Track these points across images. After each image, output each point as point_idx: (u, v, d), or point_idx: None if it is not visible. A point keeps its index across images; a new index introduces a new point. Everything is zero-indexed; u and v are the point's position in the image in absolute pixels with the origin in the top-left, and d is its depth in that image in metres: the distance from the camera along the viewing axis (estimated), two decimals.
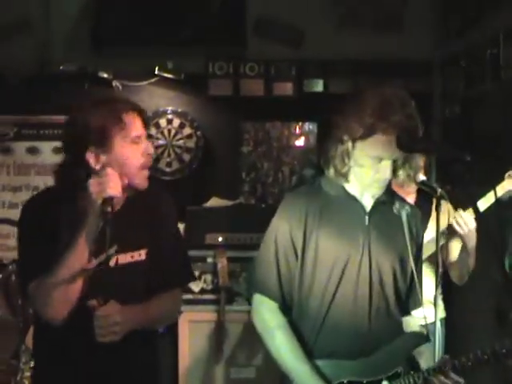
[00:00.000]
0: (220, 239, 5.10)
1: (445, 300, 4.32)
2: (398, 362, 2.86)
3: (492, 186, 3.75)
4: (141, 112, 2.81)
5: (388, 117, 2.70)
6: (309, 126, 6.09)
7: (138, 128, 2.75)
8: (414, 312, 3.02)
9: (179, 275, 3.05)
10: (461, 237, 3.84)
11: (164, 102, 6.05)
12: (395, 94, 2.78)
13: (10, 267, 4.84)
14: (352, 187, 2.89)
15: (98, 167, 2.67)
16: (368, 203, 2.90)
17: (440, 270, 3.81)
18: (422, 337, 2.94)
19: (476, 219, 3.73)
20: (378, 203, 2.90)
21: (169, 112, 6.03)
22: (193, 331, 5.10)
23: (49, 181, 5.44)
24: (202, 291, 5.12)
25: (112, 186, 2.58)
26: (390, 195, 2.95)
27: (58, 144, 5.84)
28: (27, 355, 4.43)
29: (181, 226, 4.85)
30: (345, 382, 2.79)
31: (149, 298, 2.87)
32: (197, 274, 5.10)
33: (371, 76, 5.76)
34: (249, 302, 2.98)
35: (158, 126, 5.99)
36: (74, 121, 2.75)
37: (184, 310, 4.97)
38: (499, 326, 4.60)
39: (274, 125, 6.12)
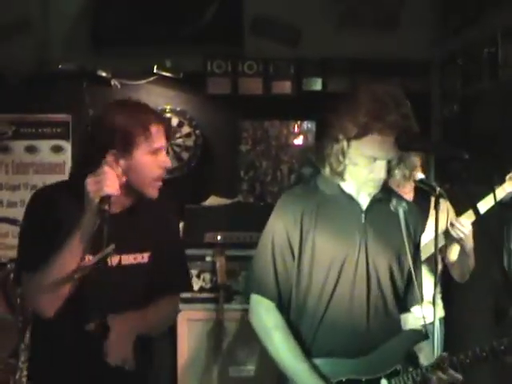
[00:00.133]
0: (219, 238, 5.10)
1: (444, 299, 4.32)
2: (396, 359, 2.86)
3: (491, 187, 3.76)
4: (166, 125, 2.86)
5: (383, 117, 2.71)
6: (307, 125, 6.09)
7: (161, 140, 2.77)
8: (412, 309, 3.02)
9: (179, 282, 3.08)
10: (458, 241, 3.85)
11: (162, 100, 6.04)
12: (390, 93, 2.78)
13: (9, 266, 4.84)
14: (348, 186, 2.90)
15: (117, 171, 2.68)
16: (364, 201, 2.90)
17: (440, 267, 3.84)
18: (421, 334, 2.95)
19: (476, 219, 3.73)
20: (374, 201, 2.91)
21: (167, 111, 6.02)
22: (191, 330, 5.10)
23: (47, 179, 5.49)
24: (201, 290, 5.13)
25: (109, 185, 2.58)
26: (386, 193, 2.95)
27: (56, 142, 5.97)
28: (26, 354, 4.43)
29: (180, 225, 4.90)
30: (343, 380, 2.79)
31: (148, 301, 2.89)
32: (195, 272, 5.11)
33: (370, 75, 5.76)
34: (247, 300, 2.98)
35: None
36: (101, 121, 2.78)
37: (183, 308, 4.95)
38: (498, 324, 4.60)
39: (273, 123, 6.12)
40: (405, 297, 2.97)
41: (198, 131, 6.04)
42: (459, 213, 3.91)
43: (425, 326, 2.93)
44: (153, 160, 2.75)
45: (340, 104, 2.86)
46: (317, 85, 6.01)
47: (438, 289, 4.06)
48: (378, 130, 2.71)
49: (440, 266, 3.98)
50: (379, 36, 5.92)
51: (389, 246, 2.89)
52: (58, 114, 6.00)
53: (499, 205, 3.87)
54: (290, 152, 6.12)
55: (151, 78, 5.99)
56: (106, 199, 2.57)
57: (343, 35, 5.94)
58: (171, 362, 5.11)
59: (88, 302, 2.74)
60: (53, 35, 5.88)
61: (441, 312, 4.25)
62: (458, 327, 4.58)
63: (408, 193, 3.97)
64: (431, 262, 3.80)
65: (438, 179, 4.85)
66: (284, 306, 2.91)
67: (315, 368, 2.79)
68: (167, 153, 2.84)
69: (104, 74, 5.88)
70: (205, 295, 5.12)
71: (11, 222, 5.03)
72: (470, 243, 3.84)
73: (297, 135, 6.12)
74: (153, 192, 2.80)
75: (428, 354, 2.88)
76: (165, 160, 2.79)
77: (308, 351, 2.83)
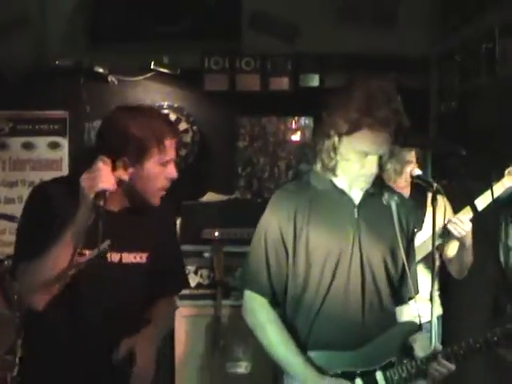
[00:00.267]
0: (216, 234, 5.10)
1: (442, 297, 4.32)
2: (391, 352, 2.89)
3: (489, 183, 3.76)
4: (178, 138, 2.87)
5: (373, 112, 2.72)
6: (305, 121, 6.08)
7: (172, 153, 2.80)
8: (407, 302, 3.04)
9: (177, 283, 3.15)
10: (457, 239, 3.84)
11: (160, 96, 6.04)
12: (380, 88, 2.79)
13: (6, 262, 4.83)
14: (340, 181, 2.92)
15: (124, 177, 2.71)
16: (357, 196, 2.92)
17: (437, 264, 3.84)
18: (415, 326, 2.98)
19: (473, 216, 3.73)
20: (366, 195, 2.93)
21: (165, 107, 6.02)
22: (189, 326, 5.11)
23: (44, 176, 5.49)
24: (199, 286, 5.13)
25: (104, 180, 2.58)
26: (378, 187, 2.96)
27: (53, 139, 5.97)
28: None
29: (177, 221, 4.90)
30: (339, 372, 2.82)
31: (145, 301, 2.93)
32: (193, 268, 5.11)
33: (367, 71, 5.75)
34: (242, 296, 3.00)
35: None
36: (113, 126, 2.76)
37: (180, 304, 4.97)
38: (496, 321, 4.60)
39: (270, 120, 6.12)
40: (399, 289, 3.00)
41: (195, 127, 6.04)
42: (457, 209, 3.91)
43: (419, 317, 2.95)
44: (161, 171, 2.77)
45: (331, 100, 2.88)
46: (314, 81, 6.01)
47: (436, 286, 4.08)
48: (369, 125, 2.73)
49: (437, 263, 3.98)
50: (377, 32, 5.91)
51: (382, 240, 2.92)
52: (55, 110, 6.00)
53: (496, 201, 3.86)
54: (287, 148, 6.12)
55: (148, 75, 5.99)
56: (101, 195, 2.57)
57: (341, 31, 5.93)
58: (168, 358, 5.12)
59: (87, 298, 2.75)
60: (50, 31, 5.87)
61: (439, 310, 4.25)
62: (455, 325, 4.58)
63: (404, 188, 3.97)
64: (429, 259, 3.80)
65: (436, 175, 4.84)
66: (278, 301, 2.93)
67: (310, 361, 2.81)
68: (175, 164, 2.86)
69: (101, 71, 5.88)
70: (202, 291, 5.13)
71: (8, 218, 5.02)
72: (469, 239, 3.84)
73: (294, 131, 6.12)
74: (155, 200, 2.82)
75: (423, 345, 2.89)
76: (173, 172, 2.81)
77: (304, 344, 2.85)
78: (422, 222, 3.91)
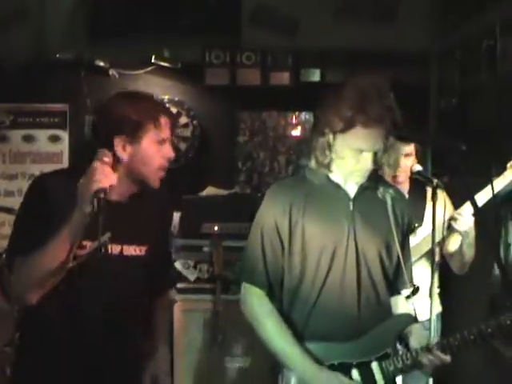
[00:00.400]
0: (216, 228, 5.10)
1: (441, 294, 4.31)
2: (387, 343, 2.91)
3: (489, 179, 3.76)
4: (172, 118, 3.01)
5: (366, 110, 2.74)
6: (305, 116, 6.09)
7: (167, 132, 2.84)
8: (402, 292, 3.06)
9: (172, 277, 3.32)
10: (460, 233, 3.84)
11: (160, 90, 6.04)
12: (373, 85, 2.82)
13: (4, 256, 4.83)
14: (335, 176, 2.94)
15: (123, 156, 2.75)
16: (352, 190, 2.94)
17: (437, 259, 3.84)
18: (410, 317, 3.00)
19: (474, 213, 3.73)
20: (361, 189, 2.95)
21: (165, 101, 6.01)
22: (188, 320, 5.10)
23: (44, 169, 5.49)
24: (198, 280, 5.12)
25: (101, 179, 2.58)
26: (374, 181, 2.98)
27: (54, 132, 5.97)
28: None
29: (176, 215, 4.90)
30: (335, 363, 2.84)
31: (143, 294, 2.94)
32: (192, 263, 5.11)
33: (368, 66, 5.75)
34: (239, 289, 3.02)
35: None
36: (109, 108, 2.83)
37: (179, 299, 4.99)
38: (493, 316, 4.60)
39: (271, 114, 6.12)
40: (394, 281, 3.02)
41: (195, 122, 6.04)
42: (457, 205, 3.90)
43: (415, 310, 2.98)
44: (158, 149, 2.80)
45: (325, 98, 2.91)
46: (315, 76, 6.01)
47: (436, 281, 4.07)
48: (363, 122, 2.76)
49: (437, 258, 3.98)
50: (378, 28, 5.92)
51: (377, 232, 2.94)
52: (56, 103, 6.00)
53: (496, 197, 3.86)
54: (287, 143, 6.12)
55: (149, 68, 5.99)
56: (101, 190, 2.57)
57: (342, 26, 5.94)
58: None
59: (86, 291, 2.74)
60: (50, 24, 5.87)
61: (438, 307, 4.25)
62: (455, 322, 4.58)
63: (403, 182, 3.97)
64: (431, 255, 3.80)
65: (437, 172, 4.84)
66: (275, 293, 2.96)
67: (308, 352, 2.83)
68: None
69: (102, 64, 5.89)
70: (201, 286, 5.12)
71: (8, 211, 5.02)
72: (472, 234, 3.84)
73: (294, 126, 6.12)
74: (155, 181, 2.84)
75: (418, 337, 2.91)
76: (169, 151, 2.85)
77: (300, 335, 2.87)
78: (423, 217, 3.91)
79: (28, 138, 6.00)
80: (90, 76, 5.84)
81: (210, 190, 5.56)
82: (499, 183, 3.80)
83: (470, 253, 3.95)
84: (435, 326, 3.13)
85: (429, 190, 3.74)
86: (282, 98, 6.02)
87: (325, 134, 2.85)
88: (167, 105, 5.97)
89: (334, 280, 2.86)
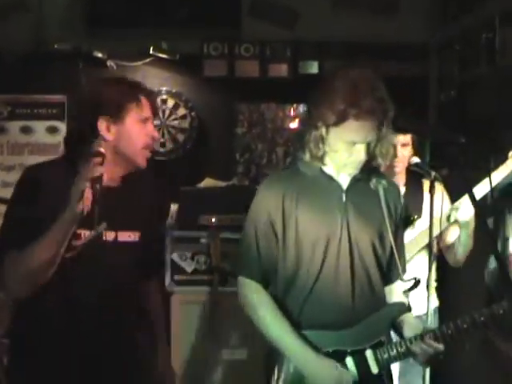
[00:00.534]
0: (213, 220, 5.09)
1: (439, 288, 4.30)
2: (381, 331, 2.93)
3: (487, 171, 3.75)
4: (154, 98, 3.05)
5: (358, 102, 2.74)
6: (303, 108, 6.08)
7: (148, 111, 2.88)
8: (396, 282, 3.05)
9: (162, 265, 3.23)
10: (461, 224, 3.84)
11: (159, 82, 6.04)
12: (364, 77, 2.82)
13: None
14: (328, 168, 2.95)
15: (108, 137, 2.77)
16: (344, 181, 2.95)
17: (434, 251, 3.83)
18: (404, 306, 3.02)
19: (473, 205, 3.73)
20: (354, 181, 2.95)
21: (163, 92, 6.02)
22: (185, 312, 5.10)
23: (42, 160, 5.45)
24: (195, 272, 5.12)
25: (89, 177, 2.59)
26: (366, 172, 2.98)
27: (51, 123, 5.96)
28: None
29: (174, 207, 4.89)
30: (330, 351, 2.85)
31: (137, 281, 2.95)
32: (190, 254, 5.10)
33: (367, 59, 5.74)
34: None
35: None
36: (91, 91, 2.94)
37: (177, 290, 4.98)
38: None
39: (269, 106, 6.12)
40: (388, 271, 3.02)
41: (193, 113, 6.04)
42: (456, 198, 3.90)
43: (408, 298, 2.99)
44: (142, 128, 2.84)
45: (316, 91, 2.91)
46: (313, 68, 6.01)
47: (433, 274, 4.07)
48: (355, 115, 2.76)
49: (435, 250, 3.97)
50: (377, 19, 5.91)
51: (370, 223, 2.94)
52: (54, 94, 5.99)
53: (494, 191, 3.86)
54: (285, 135, 6.12)
55: (147, 60, 5.98)
56: (96, 178, 2.57)
57: (340, 18, 5.93)
58: None
59: (81, 279, 2.74)
60: (49, 15, 5.86)
61: (435, 302, 4.24)
62: (452, 316, 4.58)
63: (400, 173, 3.97)
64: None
65: (435, 164, 4.84)
66: (271, 283, 2.97)
67: (307, 341, 2.84)
68: (159, 130, 2.92)
69: (100, 55, 5.87)
70: (199, 277, 5.12)
71: (6, 202, 5.00)
72: (472, 224, 3.84)
73: (293, 118, 6.12)
74: (142, 161, 2.87)
75: (412, 325, 2.93)
76: (152, 129, 2.89)
77: (295, 324, 2.88)
78: (421, 209, 3.90)
79: (26, 130, 5.99)
80: (88, 67, 5.82)
81: (207, 182, 5.55)
82: (501, 172, 3.79)
83: (468, 244, 3.95)
84: (432, 321, 3.12)
85: (425, 182, 3.74)
86: (281, 90, 6.01)
87: (318, 127, 2.86)
88: (165, 96, 5.99)
89: (328, 271, 2.87)
